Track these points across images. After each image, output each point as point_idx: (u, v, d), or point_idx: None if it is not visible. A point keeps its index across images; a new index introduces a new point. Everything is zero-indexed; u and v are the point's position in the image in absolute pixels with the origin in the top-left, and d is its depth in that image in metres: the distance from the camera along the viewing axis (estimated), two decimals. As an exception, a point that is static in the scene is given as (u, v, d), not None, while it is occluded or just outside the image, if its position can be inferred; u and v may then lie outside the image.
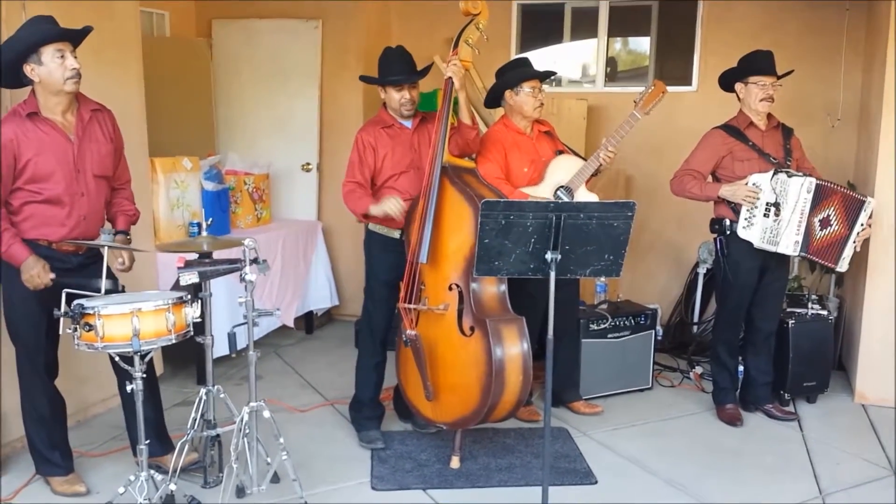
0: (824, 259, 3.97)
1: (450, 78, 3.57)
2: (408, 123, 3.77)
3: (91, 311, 2.77)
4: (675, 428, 4.18)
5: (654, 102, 3.97)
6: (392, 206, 3.55)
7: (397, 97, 3.68)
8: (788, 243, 3.87)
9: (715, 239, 4.14)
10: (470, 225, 3.35)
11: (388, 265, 3.75)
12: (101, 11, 3.98)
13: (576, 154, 4.19)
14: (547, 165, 4.00)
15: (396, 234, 3.72)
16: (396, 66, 3.68)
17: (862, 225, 3.91)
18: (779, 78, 3.99)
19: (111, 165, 3.30)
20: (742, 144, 3.99)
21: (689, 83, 5.64)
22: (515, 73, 4.04)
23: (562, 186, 3.95)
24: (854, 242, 3.94)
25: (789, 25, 5.31)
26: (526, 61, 4.16)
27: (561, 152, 4.11)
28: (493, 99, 4.15)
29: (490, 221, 2.88)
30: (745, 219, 3.93)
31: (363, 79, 3.93)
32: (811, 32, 5.29)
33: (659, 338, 5.00)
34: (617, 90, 5.90)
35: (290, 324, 5.36)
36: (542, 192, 3.93)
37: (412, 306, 3.57)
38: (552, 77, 4.22)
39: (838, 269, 4.01)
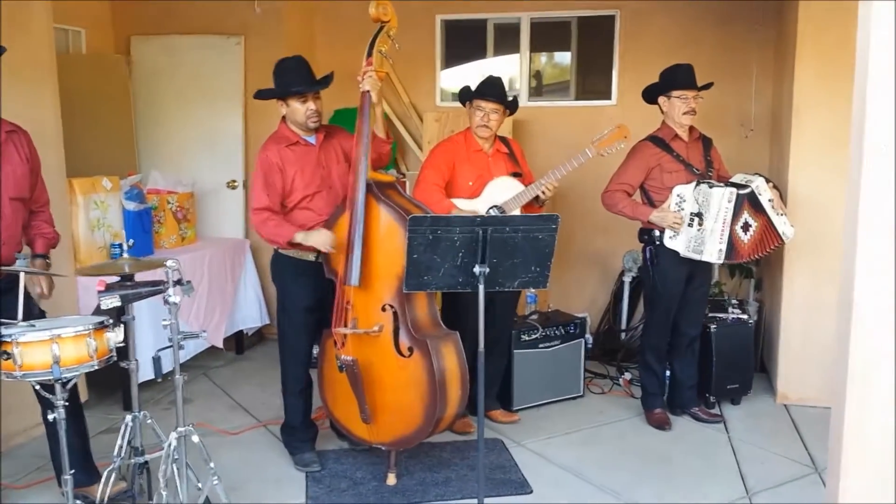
0: (770, 246, 4.04)
1: (367, 91, 3.48)
2: (312, 139, 3.63)
3: (8, 339, 2.67)
4: (606, 434, 4.25)
5: (612, 145, 3.99)
6: (322, 240, 3.41)
7: (302, 109, 3.51)
8: (713, 251, 3.97)
9: (643, 248, 4.24)
10: (400, 242, 3.21)
11: (306, 290, 3.62)
12: (14, 29, 3.85)
13: (530, 182, 4.15)
14: (487, 183, 4.02)
15: (311, 257, 3.58)
16: (297, 76, 3.52)
17: (770, 200, 4.00)
18: (699, 90, 4.12)
19: (27, 187, 3.20)
20: (669, 156, 4.11)
21: (609, 97, 5.77)
22: (474, 91, 4.05)
23: (496, 206, 3.98)
24: (778, 215, 4.01)
25: (703, 42, 5.50)
26: (490, 81, 4.05)
27: (518, 175, 4.11)
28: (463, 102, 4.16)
29: (418, 237, 2.89)
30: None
31: (260, 94, 3.62)
32: (724, 49, 5.48)
33: (589, 346, 5.09)
34: (540, 105, 6.00)
35: (219, 344, 5.25)
36: (475, 206, 3.96)
37: (346, 330, 3.46)
38: (510, 105, 4.09)
39: (789, 239, 4.07)
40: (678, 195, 4.01)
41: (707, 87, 4.15)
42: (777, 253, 4.46)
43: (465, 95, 4.11)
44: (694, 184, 3.99)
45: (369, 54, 3.53)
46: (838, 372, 2.23)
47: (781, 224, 4.03)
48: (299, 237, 3.48)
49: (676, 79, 4.11)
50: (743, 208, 3.96)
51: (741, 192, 3.94)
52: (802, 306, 4.55)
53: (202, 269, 5.08)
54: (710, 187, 3.95)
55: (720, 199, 3.92)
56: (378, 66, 3.51)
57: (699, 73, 4.16)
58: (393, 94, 5.82)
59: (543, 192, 3.99)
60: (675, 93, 4.09)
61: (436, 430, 3.44)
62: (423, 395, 3.35)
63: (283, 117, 3.62)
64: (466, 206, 3.95)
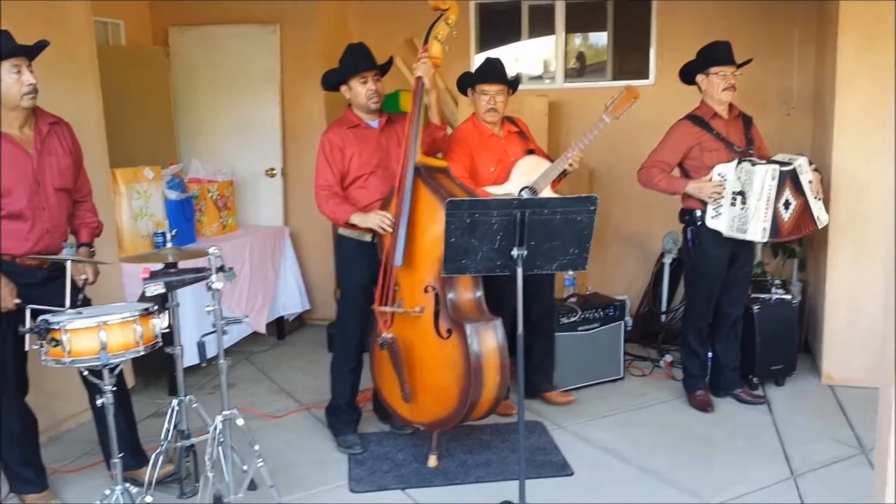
0: (805, 229, 4.02)
1: (420, 77, 3.54)
2: (374, 123, 3.74)
3: (57, 326, 2.73)
4: (647, 416, 4.23)
5: (625, 107, 3.97)
6: (377, 222, 3.51)
7: (363, 90, 3.63)
8: (756, 230, 3.90)
9: (684, 229, 4.19)
10: (443, 226, 3.29)
11: (361, 269, 3.71)
12: (55, 23, 3.93)
13: (546, 156, 4.19)
14: (513, 165, 4.02)
15: (368, 238, 3.68)
16: (359, 57, 3.65)
17: (810, 182, 3.95)
18: (738, 67, 4.05)
19: (71, 178, 3.27)
20: (708, 134, 4.04)
21: (646, 76, 5.70)
22: (476, 75, 4.08)
23: (526, 187, 3.97)
24: (815, 198, 3.97)
25: (742, 17, 5.39)
26: (490, 64, 4.08)
27: (532, 152, 4.11)
28: (463, 90, 4.18)
29: (455, 220, 2.89)
30: (713, 208, 3.99)
31: (328, 75, 3.75)
32: (764, 23, 5.38)
33: (628, 328, 5.05)
34: (577, 86, 5.95)
35: (262, 330, 5.33)
36: (506, 190, 3.95)
37: (388, 309, 3.54)
38: (512, 84, 4.11)
39: (822, 225, 4.05)
40: (719, 174, 3.95)
41: (746, 63, 4.08)
42: (821, 232, 4.37)
43: (466, 81, 4.10)
44: (735, 162, 3.92)
45: (426, 41, 3.59)
46: (885, 350, 2.19)
47: (817, 209, 3.98)
48: (356, 219, 3.58)
49: (714, 55, 4.04)
50: (785, 186, 3.89)
51: (784, 168, 3.88)
52: (847, 285, 4.47)
53: (243, 257, 5.15)
54: (753, 165, 3.88)
55: (763, 177, 3.85)
56: (434, 53, 3.56)
57: (739, 50, 4.08)
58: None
59: (570, 165, 3.97)
60: (714, 69, 4.03)
61: (472, 413, 3.44)
62: (458, 377, 3.36)
63: (349, 104, 3.74)
64: (498, 191, 3.94)
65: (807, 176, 3.93)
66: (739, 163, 3.91)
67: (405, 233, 3.45)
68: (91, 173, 3.48)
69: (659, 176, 4.08)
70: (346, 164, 3.67)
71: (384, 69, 3.73)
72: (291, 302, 5.73)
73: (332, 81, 3.74)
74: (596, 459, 3.73)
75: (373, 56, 3.69)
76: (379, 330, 3.58)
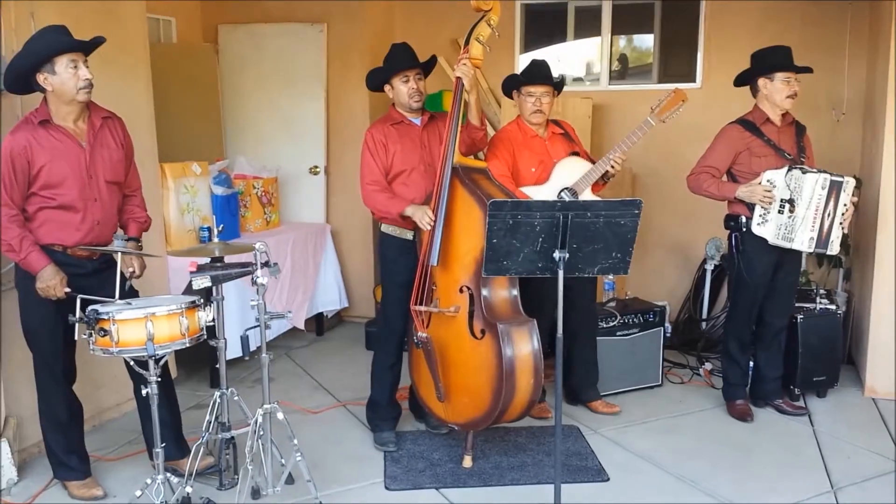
0: (821, 248, 3.95)
1: (459, 78, 3.56)
2: (416, 121, 3.77)
3: (105, 317, 2.81)
4: (685, 424, 4.19)
5: (672, 110, 3.93)
6: (421, 216, 3.53)
7: (405, 89, 3.67)
8: (803, 239, 3.83)
9: (729, 235, 4.14)
10: (480, 227, 3.29)
11: (403, 266, 3.73)
12: (109, 19, 4.02)
13: (591, 159, 4.16)
14: (554, 166, 4.01)
15: (409, 235, 3.71)
16: (401, 56, 3.69)
17: (845, 205, 3.86)
18: (798, 73, 3.97)
19: (122, 171, 3.34)
20: (758, 140, 3.98)
21: (693, 80, 5.65)
22: (521, 77, 4.07)
23: (566, 188, 3.95)
24: (840, 224, 3.88)
25: (792, 20, 5.32)
26: (536, 65, 4.08)
27: (576, 154, 4.09)
28: (508, 92, 4.18)
29: (498, 221, 2.90)
30: (760, 215, 3.92)
31: (372, 74, 3.80)
32: (814, 26, 5.29)
33: (668, 335, 5.00)
34: (622, 88, 5.92)
35: (301, 326, 5.39)
36: (545, 192, 3.94)
37: (423, 308, 3.57)
38: (558, 85, 4.10)
39: (829, 253, 3.97)
40: (768, 180, 3.88)
41: (806, 70, 3.99)
42: (868, 243, 4.30)
43: (512, 84, 4.09)
44: (785, 169, 3.86)
45: (466, 42, 3.59)
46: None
47: (835, 235, 3.88)
48: (409, 210, 3.59)
49: (779, 59, 3.94)
50: (832, 197, 3.82)
51: (834, 178, 3.80)
52: (893, 297, 4.38)
53: (285, 253, 5.21)
54: (804, 173, 3.81)
55: (814, 185, 3.78)
56: (475, 54, 3.57)
57: (788, 54, 4.03)
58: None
59: (612, 167, 3.95)
60: (780, 75, 3.93)
61: (504, 415, 3.44)
62: (491, 378, 3.37)
63: (393, 103, 3.79)
64: (534, 192, 3.93)
65: (845, 199, 3.85)
66: (789, 170, 3.85)
67: (441, 233, 3.48)
68: (140, 167, 3.56)
69: (708, 181, 4.03)
70: (390, 160, 3.71)
71: (427, 68, 3.76)
72: (330, 299, 5.79)
73: (377, 81, 3.78)
74: (632, 466, 3.71)
75: (415, 55, 3.72)
76: (415, 329, 3.60)
